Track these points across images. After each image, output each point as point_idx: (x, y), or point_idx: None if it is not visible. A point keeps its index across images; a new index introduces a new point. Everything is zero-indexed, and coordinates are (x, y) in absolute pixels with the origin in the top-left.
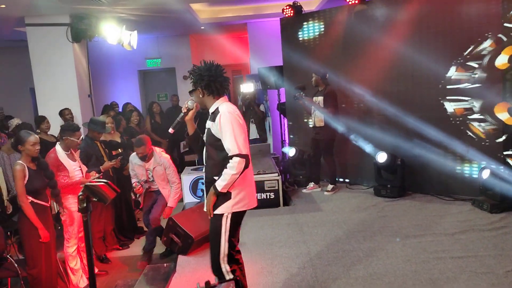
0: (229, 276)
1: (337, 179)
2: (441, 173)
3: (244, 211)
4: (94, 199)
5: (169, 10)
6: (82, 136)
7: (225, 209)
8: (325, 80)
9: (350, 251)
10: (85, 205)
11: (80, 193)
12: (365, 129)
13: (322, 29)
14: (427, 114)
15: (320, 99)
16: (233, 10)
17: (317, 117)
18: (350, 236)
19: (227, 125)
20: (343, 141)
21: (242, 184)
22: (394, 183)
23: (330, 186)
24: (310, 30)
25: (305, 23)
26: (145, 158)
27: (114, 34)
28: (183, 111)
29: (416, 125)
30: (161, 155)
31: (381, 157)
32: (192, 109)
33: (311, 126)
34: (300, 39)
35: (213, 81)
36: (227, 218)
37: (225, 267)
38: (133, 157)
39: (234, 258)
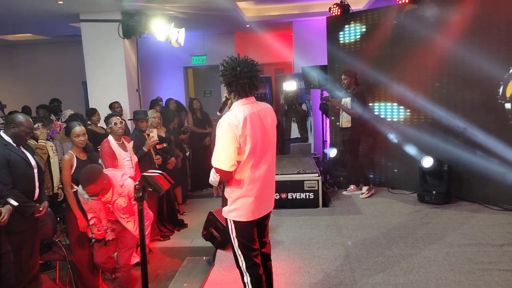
0: (246, 276)
1: (379, 182)
2: (490, 180)
3: (250, 222)
4: (149, 189)
5: (216, 8)
6: (119, 119)
7: (225, 214)
8: (356, 80)
9: (390, 257)
10: (140, 194)
11: (137, 182)
12: (412, 132)
13: (370, 29)
14: (477, 118)
15: (348, 100)
16: (279, 8)
17: (344, 118)
18: (391, 241)
19: (218, 135)
20: (386, 144)
21: (240, 193)
22: (439, 189)
23: (364, 188)
24: (357, 30)
25: (352, 22)
26: (97, 194)
27: (163, 31)
28: (223, 99)
29: (465, 130)
30: (123, 182)
31: (427, 162)
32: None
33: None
34: (347, 38)
35: (235, 81)
36: (231, 222)
37: (246, 278)
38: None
39: (253, 261)
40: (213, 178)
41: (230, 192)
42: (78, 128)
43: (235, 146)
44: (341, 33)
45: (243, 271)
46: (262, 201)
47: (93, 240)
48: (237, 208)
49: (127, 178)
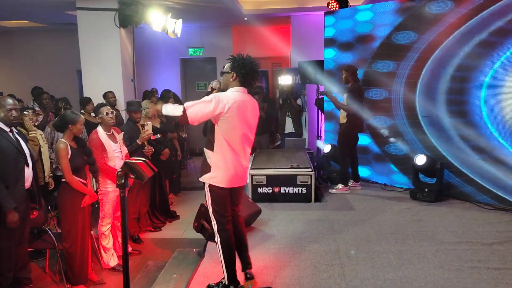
0: (217, 237)
1: (372, 179)
2: (482, 180)
3: (226, 189)
4: (132, 176)
5: (214, 0)
6: (110, 109)
7: (205, 179)
8: (355, 77)
9: (380, 253)
10: (123, 181)
11: (119, 169)
12: (406, 129)
13: (368, 25)
14: (472, 117)
15: (345, 96)
16: (277, 2)
17: (342, 113)
18: (382, 237)
19: (207, 97)
20: (379, 140)
21: (218, 166)
22: (431, 187)
23: (339, 185)
24: (355, 26)
25: (350, 18)
26: None
27: (160, 21)
28: (208, 90)
29: (459, 128)
30: None
31: (420, 160)
32: (215, 89)
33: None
34: (344, 34)
35: (250, 74)
36: (208, 191)
37: (217, 238)
38: None
39: (224, 226)
40: (173, 110)
41: (211, 158)
42: (82, 117)
43: (210, 112)
44: (338, 28)
45: (215, 233)
46: (236, 175)
47: None
48: (216, 176)
49: None
